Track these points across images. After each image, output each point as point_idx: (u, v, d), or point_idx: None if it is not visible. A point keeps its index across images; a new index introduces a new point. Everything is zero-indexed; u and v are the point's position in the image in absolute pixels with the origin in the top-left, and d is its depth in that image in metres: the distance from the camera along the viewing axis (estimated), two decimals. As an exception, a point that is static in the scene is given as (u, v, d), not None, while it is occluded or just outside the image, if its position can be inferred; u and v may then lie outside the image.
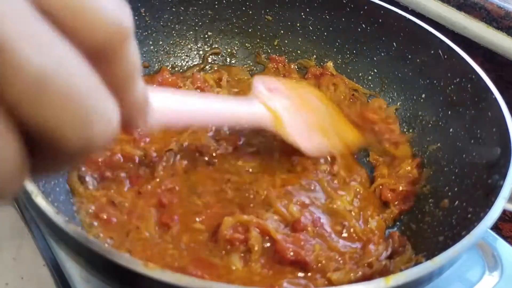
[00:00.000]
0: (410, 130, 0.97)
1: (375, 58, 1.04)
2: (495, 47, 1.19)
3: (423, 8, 1.30)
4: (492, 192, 0.67)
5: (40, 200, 0.54)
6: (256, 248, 0.70)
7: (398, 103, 1.01)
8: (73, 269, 0.77)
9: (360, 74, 1.06)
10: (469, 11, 1.24)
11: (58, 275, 0.78)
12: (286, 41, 1.11)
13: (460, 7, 1.25)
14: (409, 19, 0.96)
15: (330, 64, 1.07)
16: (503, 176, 0.66)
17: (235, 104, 0.81)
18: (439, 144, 0.90)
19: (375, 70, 1.04)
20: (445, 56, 0.90)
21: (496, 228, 1.05)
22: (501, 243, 0.91)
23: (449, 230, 0.73)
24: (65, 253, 0.64)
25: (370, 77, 1.05)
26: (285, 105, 0.86)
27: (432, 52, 0.92)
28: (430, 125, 0.93)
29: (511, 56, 1.15)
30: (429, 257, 0.70)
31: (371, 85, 1.05)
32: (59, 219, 0.52)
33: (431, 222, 0.79)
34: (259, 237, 0.71)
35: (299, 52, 1.11)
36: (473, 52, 0.91)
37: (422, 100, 0.96)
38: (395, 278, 0.51)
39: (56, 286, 0.77)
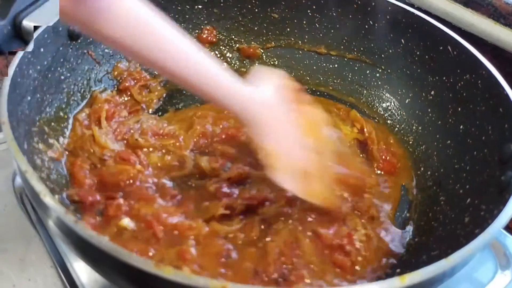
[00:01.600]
0: (420, 128, 0.96)
1: (382, 55, 1.03)
2: (502, 43, 1.18)
3: (429, 5, 1.29)
4: (506, 189, 0.67)
5: (48, 200, 0.54)
6: None
7: (407, 100, 1.00)
8: (81, 270, 0.77)
9: (368, 71, 1.05)
10: (476, 7, 1.23)
11: (66, 276, 0.77)
12: (292, 39, 1.10)
13: (467, 4, 1.24)
14: (417, 16, 0.95)
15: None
16: (517, 172, 0.65)
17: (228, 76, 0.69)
18: (449, 141, 0.89)
19: (383, 67, 1.03)
20: (455, 52, 0.89)
21: (506, 227, 1.04)
22: (512, 242, 0.90)
23: (462, 228, 0.72)
24: (74, 253, 0.63)
25: (377, 75, 1.04)
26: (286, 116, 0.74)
27: (441, 48, 0.91)
28: (439, 122, 0.92)
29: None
30: (441, 255, 0.69)
31: (379, 83, 1.04)
32: (69, 219, 0.51)
33: (442, 221, 0.78)
34: None
35: (305, 49, 1.10)
36: (481, 49, 0.91)
37: (431, 97, 0.95)
38: (411, 277, 0.51)
39: (63, 287, 0.76)
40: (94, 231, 0.50)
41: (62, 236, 0.58)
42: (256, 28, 1.10)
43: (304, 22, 1.08)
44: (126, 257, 0.48)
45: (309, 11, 1.07)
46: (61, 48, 0.83)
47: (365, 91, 1.06)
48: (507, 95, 0.76)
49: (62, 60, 0.84)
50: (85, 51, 0.90)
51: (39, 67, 0.77)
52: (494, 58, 1.04)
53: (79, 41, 0.88)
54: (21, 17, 0.77)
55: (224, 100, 0.69)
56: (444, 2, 1.27)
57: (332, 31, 1.07)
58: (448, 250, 0.70)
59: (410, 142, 0.96)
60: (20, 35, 0.76)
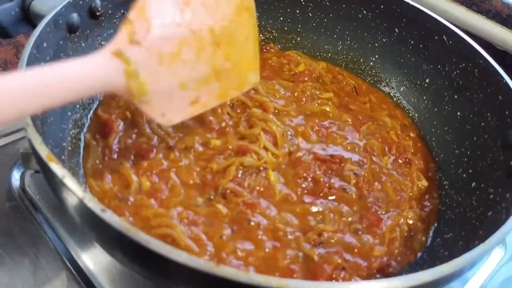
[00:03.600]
0: (416, 115, 1.00)
1: (376, 44, 1.05)
2: (475, 30, 1.24)
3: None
4: (515, 173, 0.71)
5: (72, 185, 0.52)
6: None
7: (402, 88, 1.03)
8: (91, 262, 0.76)
9: (362, 60, 1.07)
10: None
11: (80, 277, 0.75)
12: (285, 28, 1.11)
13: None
14: (411, 5, 0.98)
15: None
16: (526, 157, 0.69)
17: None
18: (446, 127, 0.93)
19: (376, 56, 1.06)
20: (450, 42, 0.93)
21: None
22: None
23: (472, 211, 0.76)
24: (98, 243, 0.62)
25: (371, 63, 1.07)
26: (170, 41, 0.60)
27: (436, 37, 0.95)
28: (436, 109, 0.96)
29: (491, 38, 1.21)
30: (456, 238, 0.73)
31: (373, 72, 1.07)
32: (95, 207, 0.50)
33: (449, 204, 0.82)
34: None
35: (298, 39, 1.11)
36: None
37: (426, 85, 0.98)
38: (455, 263, 0.53)
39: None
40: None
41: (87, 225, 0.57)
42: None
43: (297, 11, 1.09)
44: (154, 245, 0.47)
45: (302, 0, 1.07)
46: (61, 42, 0.80)
47: (359, 80, 1.08)
48: (506, 83, 0.80)
49: (62, 55, 0.81)
50: (83, 43, 0.87)
51: (42, 63, 0.74)
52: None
53: (77, 33, 0.84)
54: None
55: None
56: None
57: (325, 20, 1.08)
58: (461, 232, 0.74)
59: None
60: (28, 18, 0.72)
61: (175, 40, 0.61)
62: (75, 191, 0.51)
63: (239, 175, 0.78)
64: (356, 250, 0.72)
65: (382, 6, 1.01)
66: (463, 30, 1.23)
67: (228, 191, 0.76)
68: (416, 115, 1.00)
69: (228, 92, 0.74)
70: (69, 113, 0.80)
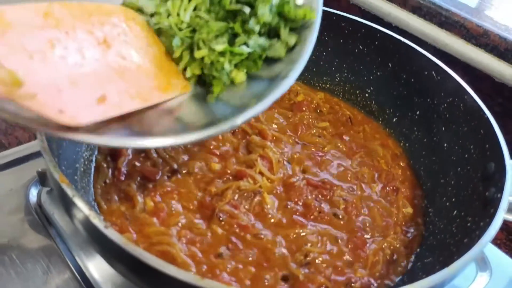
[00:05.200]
0: (407, 144, 1.06)
1: (371, 77, 1.12)
2: (473, 62, 1.29)
3: (407, 25, 1.39)
4: (490, 204, 0.76)
5: (80, 204, 0.59)
6: None
7: (394, 119, 1.09)
8: (98, 273, 0.82)
9: (358, 91, 1.14)
10: (450, 28, 1.34)
11: (87, 286, 0.82)
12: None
13: (441, 25, 1.35)
14: (403, 42, 1.04)
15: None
16: (500, 189, 0.74)
17: None
18: (434, 158, 0.98)
19: (372, 88, 1.12)
20: (438, 77, 0.99)
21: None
22: (488, 246, 1.00)
23: (451, 238, 0.81)
24: (101, 255, 0.69)
25: (366, 95, 1.13)
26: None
27: (426, 73, 1.01)
28: (425, 140, 1.02)
29: (489, 71, 1.26)
30: (435, 263, 0.78)
31: (368, 103, 1.13)
32: (99, 224, 0.57)
33: (432, 230, 0.87)
34: None
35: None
36: (454, 66, 1.00)
37: (417, 117, 1.04)
38: (420, 284, 0.59)
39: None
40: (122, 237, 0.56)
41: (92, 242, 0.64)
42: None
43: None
44: (153, 262, 0.54)
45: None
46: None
47: (355, 110, 1.14)
48: (487, 119, 0.86)
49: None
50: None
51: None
52: (465, 75, 1.15)
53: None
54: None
55: None
56: (421, 23, 1.38)
57: (324, 53, 1.15)
58: (440, 257, 0.80)
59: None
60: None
61: (41, 39, 0.59)
62: (82, 209, 0.59)
63: (236, 198, 0.85)
64: (339, 269, 0.78)
65: (376, 42, 1.08)
66: (463, 62, 1.30)
67: (225, 212, 0.82)
68: (407, 145, 1.06)
69: (149, 94, 0.69)
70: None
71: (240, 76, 0.71)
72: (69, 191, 0.60)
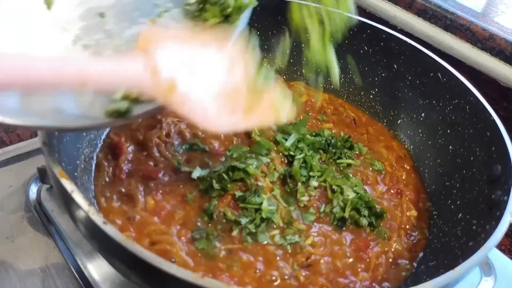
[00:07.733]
0: (411, 147, 1.04)
1: (376, 79, 1.10)
2: (479, 66, 1.28)
3: (412, 28, 1.38)
4: (496, 207, 0.75)
5: (79, 199, 0.58)
6: None
7: (399, 121, 1.08)
8: (96, 272, 0.81)
9: (362, 93, 1.13)
10: (455, 32, 1.33)
11: (85, 285, 0.81)
12: (291, 61, 1.16)
13: (447, 28, 1.34)
14: (409, 43, 1.03)
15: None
16: (507, 192, 0.73)
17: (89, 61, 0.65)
18: (439, 160, 0.97)
19: (376, 90, 1.11)
20: (444, 79, 0.98)
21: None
22: (493, 251, 0.99)
23: (456, 241, 0.80)
24: (99, 253, 0.68)
25: (371, 96, 1.12)
26: (190, 59, 0.68)
27: (431, 74, 1.00)
28: (430, 142, 1.00)
29: (495, 75, 1.25)
30: (439, 266, 0.77)
31: (373, 104, 1.12)
32: (98, 220, 0.56)
33: (437, 234, 0.86)
34: None
35: (303, 71, 1.17)
36: (459, 70, 0.98)
37: (422, 119, 1.03)
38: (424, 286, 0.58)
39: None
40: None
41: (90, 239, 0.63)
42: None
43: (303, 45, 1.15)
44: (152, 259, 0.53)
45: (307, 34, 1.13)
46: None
47: (360, 112, 1.13)
48: (493, 121, 0.85)
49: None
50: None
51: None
52: (470, 78, 1.14)
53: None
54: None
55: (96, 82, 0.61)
56: (426, 26, 1.37)
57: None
58: (444, 260, 0.78)
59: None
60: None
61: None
62: (81, 204, 0.58)
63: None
64: (340, 271, 0.76)
65: (382, 43, 1.07)
66: (468, 66, 1.29)
67: (225, 212, 0.81)
68: (412, 147, 1.04)
69: (267, 116, 0.76)
70: (84, 134, 0.87)
71: None
72: (68, 186, 0.59)
